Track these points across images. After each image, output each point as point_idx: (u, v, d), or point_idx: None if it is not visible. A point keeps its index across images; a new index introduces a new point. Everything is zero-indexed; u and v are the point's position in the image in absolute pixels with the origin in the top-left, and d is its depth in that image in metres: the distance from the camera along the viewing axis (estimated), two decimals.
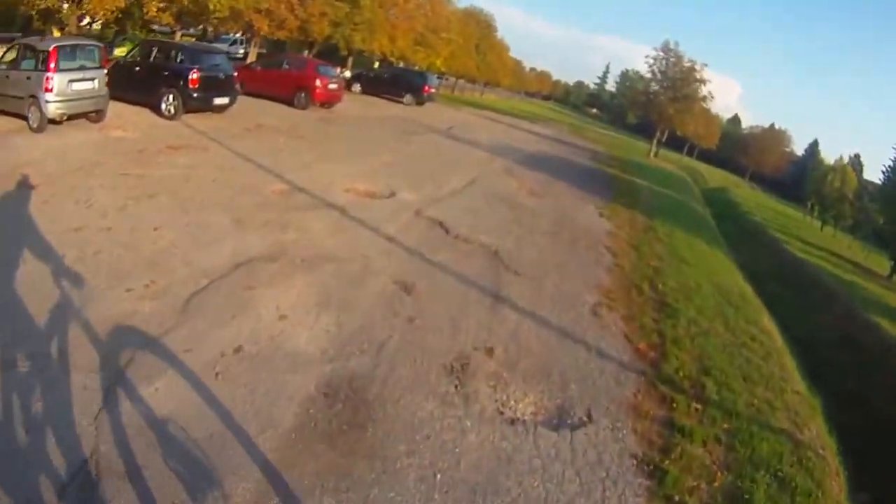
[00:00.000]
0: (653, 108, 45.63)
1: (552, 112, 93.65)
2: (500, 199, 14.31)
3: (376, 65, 43.59)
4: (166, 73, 16.80)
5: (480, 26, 59.94)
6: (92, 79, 13.68)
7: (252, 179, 11.62)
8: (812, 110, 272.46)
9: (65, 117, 13.08)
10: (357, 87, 34.82)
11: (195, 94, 16.52)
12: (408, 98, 33.96)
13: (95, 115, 14.24)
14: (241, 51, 45.10)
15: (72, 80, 12.97)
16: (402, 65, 43.20)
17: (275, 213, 9.73)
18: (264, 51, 50.59)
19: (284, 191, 11.24)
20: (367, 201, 11.66)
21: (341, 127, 20.35)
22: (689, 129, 49.63)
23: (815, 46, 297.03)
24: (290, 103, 22.16)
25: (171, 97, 16.47)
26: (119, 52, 32.89)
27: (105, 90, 14.23)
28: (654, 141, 49.79)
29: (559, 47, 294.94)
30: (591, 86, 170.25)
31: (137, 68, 17.38)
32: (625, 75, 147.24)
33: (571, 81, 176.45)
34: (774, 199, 71.78)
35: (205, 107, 17.09)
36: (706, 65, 43.26)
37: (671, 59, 43.89)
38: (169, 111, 16.49)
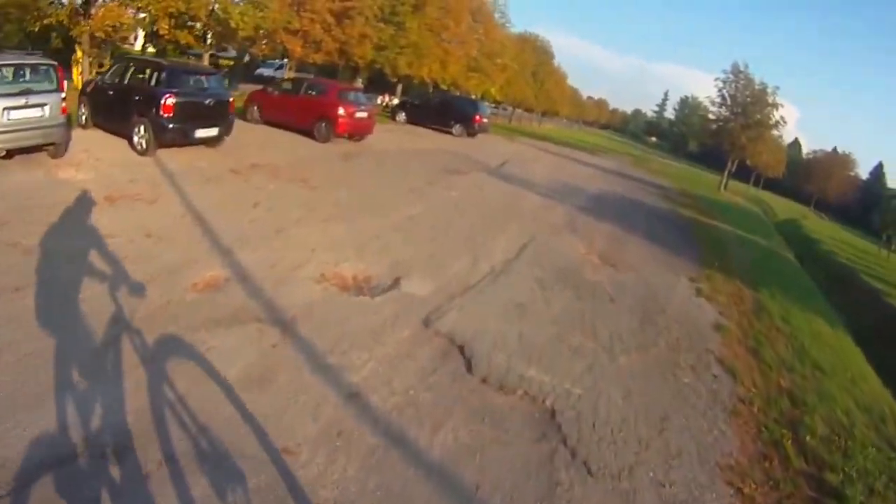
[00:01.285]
0: (723, 136, 40.08)
1: (611, 142, 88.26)
2: (562, 277, 9.39)
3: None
4: (138, 98, 12.81)
5: (537, 52, 55.40)
6: (40, 105, 10.11)
7: (179, 258, 7.12)
8: (872, 132, 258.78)
9: (2, 153, 9.85)
10: (402, 117, 30.46)
11: (169, 125, 12.39)
12: (457, 129, 29.27)
13: (53, 149, 10.73)
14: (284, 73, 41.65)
15: (8, 108, 9.58)
16: (457, 93, 38.77)
17: (160, 337, 5.18)
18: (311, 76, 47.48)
19: (214, 283, 6.62)
20: (346, 301, 6.90)
21: (364, 165, 15.80)
22: (762, 160, 43.65)
23: (870, 65, 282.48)
24: (310, 135, 17.90)
25: (142, 128, 12.44)
26: None
27: (62, 118, 10.54)
28: (725, 173, 43.94)
29: (615, 75, 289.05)
30: (650, 114, 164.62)
31: (111, 91, 13.45)
32: (684, 102, 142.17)
33: (629, 110, 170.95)
34: (843, 229, 64.59)
35: (183, 140, 12.93)
36: (778, 88, 37.92)
37: (741, 82, 38.51)
38: (140, 145, 12.47)
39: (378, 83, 45.12)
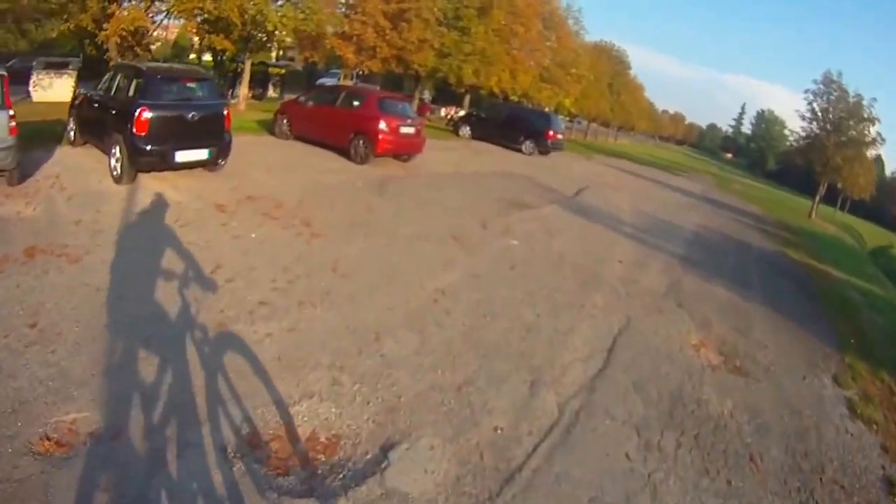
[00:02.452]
0: (814, 156, 33.69)
1: (689, 159, 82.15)
2: (675, 416, 5.38)
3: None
4: (114, 112, 9.82)
5: (612, 62, 50.72)
6: None
7: (29, 385, 3.74)
8: None
9: None
10: (466, 131, 26.66)
11: (144, 146, 9.24)
12: (527, 146, 25.08)
13: (8, 176, 8.46)
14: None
15: None
16: (528, 105, 34.81)
17: None
18: (377, 87, 44.49)
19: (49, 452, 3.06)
20: None
21: (402, 196, 11.96)
22: (858, 182, 36.79)
23: None
24: (347, 154, 14.40)
25: (117, 149, 9.41)
26: None
27: (10, 140, 8.15)
28: (816, 199, 37.74)
29: (689, 87, 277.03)
30: (724, 128, 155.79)
31: (96, 104, 10.61)
32: (761, 117, 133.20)
33: (702, 123, 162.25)
34: None
35: (161, 165, 9.75)
36: (875, 100, 31.68)
37: (833, 94, 32.62)
38: (115, 170, 9.49)
39: (445, 94, 41.69)
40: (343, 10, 24.42)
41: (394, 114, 14.57)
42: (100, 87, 10.83)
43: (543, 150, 25.29)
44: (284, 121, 15.89)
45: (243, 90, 22.90)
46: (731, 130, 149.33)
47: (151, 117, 9.21)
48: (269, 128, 16.49)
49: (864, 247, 40.48)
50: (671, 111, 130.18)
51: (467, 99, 36.42)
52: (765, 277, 12.65)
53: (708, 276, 10.91)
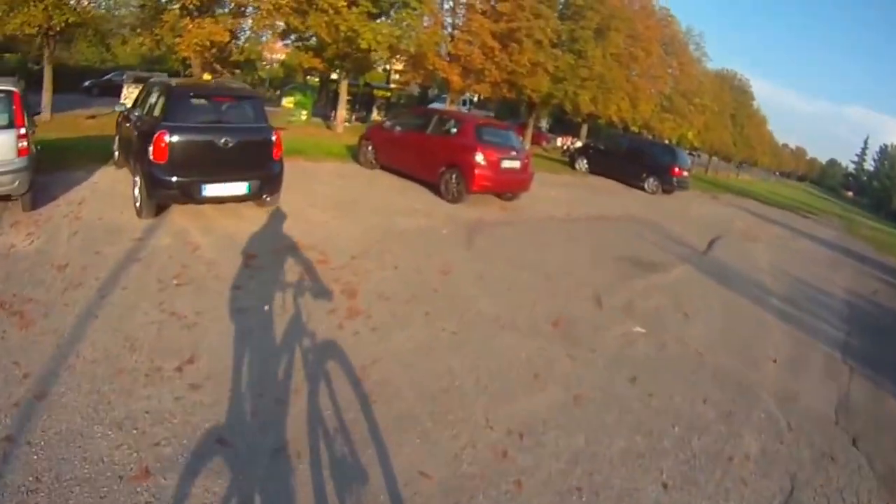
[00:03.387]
0: None
1: (811, 197, 73.80)
2: None
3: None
4: (137, 135, 7.78)
5: (735, 93, 45.92)
6: None
7: None
8: None
9: None
10: (583, 165, 23.31)
11: (162, 178, 6.96)
12: (650, 183, 21.14)
13: (22, 200, 6.99)
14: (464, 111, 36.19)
15: None
16: (649, 137, 31.22)
17: None
18: (491, 114, 41.91)
19: None
20: None
21: (494, 252, 8.72)
22: None
23: None
24: (437, 190, 11.59)
25: (139, 177, 7.33)
26: (286, 102, 25.50)
27: (20, 162, 6.65)
28: None
29: (808, 120, 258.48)
30: (845, 164, 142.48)
31: (128, 123, 8.81)
32: (884, 152, 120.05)
33: (822, 157, 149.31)
34: None
35: (185, 199, 7.38)
36: None
37: None
38: (136, 201, 7.44)
39: (562, 124, 38.63)
40: (449, 29, 22.02)
41: (494, 144, 11.52)
42: (136, 104, 8.84)
43: (668, 188, 21.38)
44: (369, 147, 13.31)
45: (340, 112, 20.88)
46: (852, 167, 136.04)
47: (172, 142, 6.82)
48: (355, 154, 14.04)
49: None
50: (791, 145, 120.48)
51: (584, 129, 33.19)
52: None
53: (877, 374, 7.24)
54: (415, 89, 43.47)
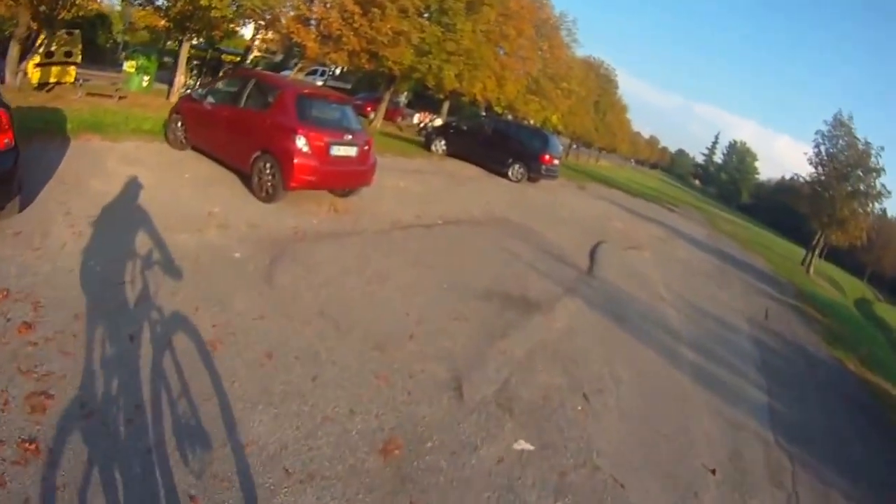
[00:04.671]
0: (822, 206, 28.57)
1: (666, 185, 77.70)
2: None
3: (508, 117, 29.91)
4: None
5: (601, 80, 45.84)
6: None
7: None
8: None
9: None
10: (440, 146, 21.16)
11: None
12: (516, 171, 19.42)
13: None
14: (320, 82, 32.79)
15: None
16: (510, 118, 29.62)
17: None
18: (348, 86, 38.71)
19: None
20: None
21: (305, 294, 5.91)
22: (859, 237, 31.58)
23: None
24: (249, 182, 8.90)
25: None
26: (127, 66, 21.69)
27: None
28: (812, 254, 32.57)
29: (661, 112, 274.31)
30: (693, 155, 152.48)
31: None
32: (733, 147, 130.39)
33: (672, 148, 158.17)
34: None
35: None
36: (883, 148, 26.93)
37: (843, 139, 27.86)
38: None
39: (423, 99, 36.23)
40: None
41: (323, 124, 8.88)
42: None
43: (534, 176, 19.85)
44: (179, 123, 10.17)
45: (179, 78, 17.35)
46: (702, 158, 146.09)
47: None
48: (165, 131, 10.82)
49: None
50: (645, 135, 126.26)
51: (446, 106, 31.13)
52: (867, 441, 7.65)
53: (819, 463, 5.91)
54: (279, 57, 39.40)
